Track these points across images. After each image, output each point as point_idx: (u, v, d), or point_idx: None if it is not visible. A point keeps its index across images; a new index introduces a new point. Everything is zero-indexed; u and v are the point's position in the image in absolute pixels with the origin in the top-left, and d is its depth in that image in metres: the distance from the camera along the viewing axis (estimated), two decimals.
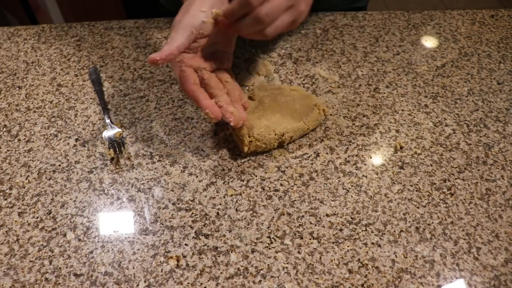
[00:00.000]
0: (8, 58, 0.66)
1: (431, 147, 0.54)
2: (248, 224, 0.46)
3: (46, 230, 0.46)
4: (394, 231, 0.46)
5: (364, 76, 0.63)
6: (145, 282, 0.42)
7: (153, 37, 0.69)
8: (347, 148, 0.53)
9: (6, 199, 0.49)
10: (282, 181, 0.50)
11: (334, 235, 0.46)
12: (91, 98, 0.60)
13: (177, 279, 0.42)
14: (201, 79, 0.49)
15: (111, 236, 0.45)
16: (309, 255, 0.44)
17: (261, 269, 0.43)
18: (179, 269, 0.43)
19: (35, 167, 0.52)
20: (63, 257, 0.44)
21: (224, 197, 0.49)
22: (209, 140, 0.54)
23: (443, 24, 0.72)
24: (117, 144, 0.53)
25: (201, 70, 0.50)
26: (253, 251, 0.44)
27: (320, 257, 0.44)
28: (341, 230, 0.46)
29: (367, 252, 0.44)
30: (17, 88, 0.61)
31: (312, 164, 0.52)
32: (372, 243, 0.45)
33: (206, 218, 0.47)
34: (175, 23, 0.48)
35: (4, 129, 0.56)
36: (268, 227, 0.46)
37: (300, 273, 0.43)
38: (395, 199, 0.49)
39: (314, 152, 0.53)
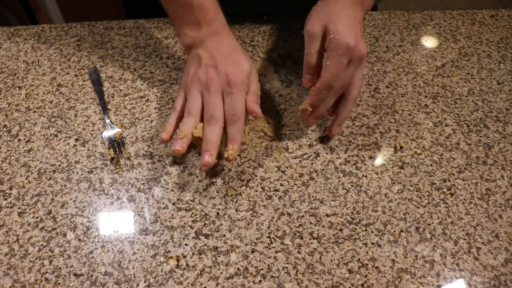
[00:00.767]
0: (8, 58, 0.66)
1: (431, 147, 0.54)
2: (248, 224, 0.46)
3: (46, 230, 0.46)
4: (394, 231, 0.46)
5: (364, 76, 0.63)
6: (145, 282, 0.42)
7: (153, 37, 0.69)
8: (347, 148, 0.53)
9: (6, 199, 0.49)
10: (282, 181, 0.50)
11: (334, 235, 0.46)
12: (91, 98, 0.60)
13: (177, 279, 0.42)
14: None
15: (111, 236, 0.45)
16: (309, 255, 0.44)
17: (261, 269, 0.43)
18: (179, 269, 0.43)
19: (35, 167, 0.52)
20: (63, 257, 0.44)
21: (224, 197, 0.49)
22: None
23: (443, 24, 0.72)
24: (117, 144, 0.53)
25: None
26: (253, 251, 0.44)
27: (320, 257, 0.44)
28: (341, 230, 0.46)
29: (367, 252, 0.44)
30: (17, 88, 0.61)
31: (312, 164, 0.52)
32: (372, 243, 0.45)
33: (206, 218, 0.47)
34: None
35: (4, 129, 0.56)
36: (268, 227, 0.46)
37: (300, 273, 0.43)
38: (395, 199, 0.49)
39: (314, 152, 0.53)
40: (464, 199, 0.49)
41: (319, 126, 0.56)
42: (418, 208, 0.48)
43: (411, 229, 0.46)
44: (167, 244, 0.45)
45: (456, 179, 0.51)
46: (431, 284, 0.42)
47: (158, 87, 0.61)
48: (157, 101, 0.59)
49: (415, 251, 0.44)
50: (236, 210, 0.47)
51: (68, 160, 0.52)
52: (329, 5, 0.48)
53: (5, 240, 0.45)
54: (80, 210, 0.47)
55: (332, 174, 0.51)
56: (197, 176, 0.50)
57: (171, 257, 0.44)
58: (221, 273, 0.43)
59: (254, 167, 0.51)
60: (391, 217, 0.47)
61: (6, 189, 0.50)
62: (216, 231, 0.46)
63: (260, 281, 0.42)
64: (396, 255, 0.44)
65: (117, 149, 0.52)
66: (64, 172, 0.51)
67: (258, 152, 0.53)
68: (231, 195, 0.49)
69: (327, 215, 0.47)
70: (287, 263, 0.43)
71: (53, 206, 0.48)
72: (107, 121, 0.55)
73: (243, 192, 0.49)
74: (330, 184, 0.50)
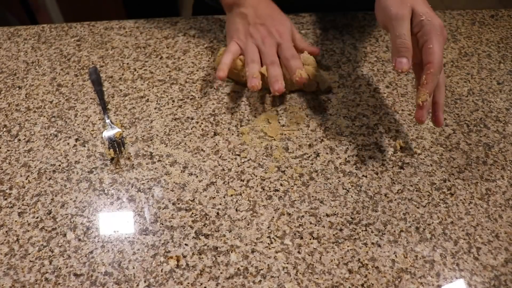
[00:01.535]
0: (8, 58, 0.66)
1: (431, 147, 0.54)
2: (248, 224, 0.46)
3: (46, 230, 0.46)
4: (394, 231, 0.46)
5: (364, 76, 0.63)
6: (145, 282, 0.42)
7: (153, 37, 0.69)
8: (347, 148, 0.53)
9: (6, 199, 0.49)
10: (282, 181, 0.50)
11: (334, 235, 0.46)
12: (91, 98, 0.60)
13: (177, 279, 0.42)
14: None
15: (111, 236, 0.45)
16: (309, 255, 0.44)
17: (261, 269, 0.43)
18: (179, 269, 0.43)
19: (35, 167, 0.52)
20: (63, 257, 0.44)
21: (224, 197, 0.49)
22: (209, 140, 0.54)
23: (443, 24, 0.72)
24: (117, 144, 0.53)
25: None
26: (253, 251, 0.44)
27: (320, 257, 0.44)
28: (341, 230, 0.46)
29: (367, 252, 0.44)
30: (17, 88, 0.61)
31: (312, 164, 0.52)
32: (372, 243, 0.45)
33: (206, 218, 0.47)
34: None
35: (4, 129, 0.56)
36: (268, 227, 0.46)
37: (300, 273, 0.43)
38: (395, 199, 0.49)
39: (314, 152, 0.53)
40: (464, 199, 0.49)
41: (319, 126, 0.56)
42: (418, 208, 0.48)
43: (411, 229, 0.46)
44: (167, 244, 0.45)
45: (456, 179, 0.51)
46: (431, 284, 0.42)
47: (158, 87, 0.61)
48: (157, 101, 0.59)
49: (415, 251, 0.44)
50: (236, 210, 0.47)
51: (68, 160, 0.52)
52: None
53: (5, 240, 0.45)
54: (80, 210, 0.47)
55: (332, 174, 0.51)
56: (197, 176, 0.50)
57: (171, 257, 0.44)
58: (221, 273, 0.43)
59: (254, 167, 0.51)
60: (391, 217, 0.47)
61: (6, 189, 0.50)
62: (216, 231, 0.46)
63: (260, 281, 0.42)
64: (396, 255, 0.44)
65: (117, 149, 0.52)
66: (64, 172, 0.51)
67: (258, 152, 0.53)
68: (231, 195, 0.49)
69: (327, 215, 0.47)
70: (287, 263, 0.43)
71: (53, 206, 0.48)
72: (107, 121, 0.55)
73: (243, 192, 0.49)
74: (330, 184, 0.50)
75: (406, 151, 0.53)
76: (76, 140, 0.54)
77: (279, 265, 0.43)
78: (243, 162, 0.52)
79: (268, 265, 0.43)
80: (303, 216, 0.47)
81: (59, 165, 0.52)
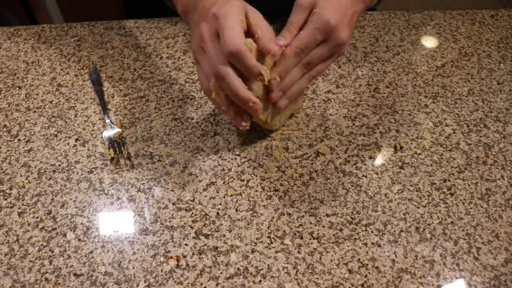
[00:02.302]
0: (8, 58, 0.66)
1: (431, 147, 0.54)
2: (248, 224, 0.46)
3: (46, 230, 0.46)
4: (394, 231, 0.46)
5: (364, 76, 0.63)
6: (145, 282, 0.42)
7: (153, 37, 0.69)
8: (347, 148, 0.53)
9: (6, 199, 0.49)
10: (282, 181, 0.50)
11: (334, 235, 0.46)
12: (91, 98, 0.60)
13: (177, 279, 0.42)
14: None
15: (111, 236, 0.45)
16: (309, 255, 0.44)
17: (261, 269, 0.43)
18: (179, 269, 0.43)
19: (35, 167, 0.52)
20: (63, 257, 0.44)
21: (224, 197, 0.49)
22: (209, 140, 0.54)
23: (443, 24, 0.72)
24: (117, 144, 0.53)
25: None
26: (253, 251, 0.44)
27: (320, 257, 0.44)
28: (341, 230, 0.46)
29: (367, 252, 0.44)
30: (17, 88, 0.61)
31: (312, 164, 0.52)
32: (372, 243, 0.45)
33: (206, 218, 0.47)
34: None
35: (4, 129, 0.56)
36: (268, 227, 0.46)
37: (300, 273, 0.43)
38: (395, 199, 0.49)
39: (314, 152, 0.53)
40: (464, 199, 0.49)
41: (320, 126, 0.56)
42: (418, 208, 0.48)
43: (411, 229, 0.46)
44: (167, 244, 0.45)
45: (456, 179, 0.51)
46: (431, 284, 0.42)
47: (158, 87, 0.61)
48: (157, 101, 0.59)
49: (415, 251, 0.44)
50: (236, 210, 0.47)
51: (68, 160, 0.52)
52: None
53: (5, 240, 0.45)
54: (80, 210, 0.47)
55: (332, 174, 0.51)
56: (197, 176, 0.50)
57: (171, 257, 0.44)
58: (221, 273, 0.43)
59: (254, 167, 0.51)
60: (391, 217, 0.47)
61: (6, 189, 0.50)
62: (216, 231, 0.46)
63: (260, 281, 0.42)
64: (396, 255, 0.44)
65: (117, 149, 0.52)
66: (64, 172, 0.51)
67: (258, 152, 0.53)
68: (231, 195, 0.49)
69: (327, 215, 0.47)
70: (287, 263, 0.43)
71: (53, 206, 0.48)
72: (107, 121, 0.55)
73: (243, 192, 0.49)
74: (330, 184, 0.50)
75: (406, 151, 0.53)
76: (76, 140, 0.54)
77: (279, 265, 0.43)
78: (243, 162, 0.52)
79: (268, 265, 0.43)
80: (303, 216, 0.47)
81: (59, 165, 0.52)
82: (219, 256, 0.44)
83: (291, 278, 0.42)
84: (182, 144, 0.54)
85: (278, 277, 0.42)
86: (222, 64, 0.42)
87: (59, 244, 0.45)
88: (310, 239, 0.45)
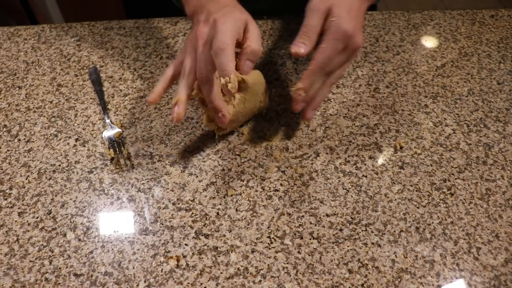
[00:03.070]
0: (8, 58, 0.66)
1: (431, 147, 0.54)
2: (248, 224, 0.46)
3: (46, 230, 0.46)
4: (394, 231, 0.46)
5: (364, 76, 0.63)
6: (145, 282, 0.42)
7: (153, 37, 0.69)
8: (347, 148, 0.53)
9: (6, 199, 0.49)
10: (282, 181, 0.50)
11: (334, 235, 0.46)
12: (91, 98, 0.60)
13: (177, 279, 0.42)
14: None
15: (111, 236, 0.45)
16: (309, 255, 0.44)
17: (261, 269, 0.43)
18: (179, 269, 0.43)
19: (35, 167, 0.52)
20: (63, 257, 0.44)
21: (224, 197, 0.49)
22: (209, 140, 0.54)
23: (443, 24, 0.72)
24: (117, 144, 0.53)
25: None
26: (253, 251, 0.44)
27: (320, 257, 0.44)
28: (341, 230, 0.46)
29: (367, 252, 0.44)
30: (17, 88, 0.61)
31: (312, 164, 0.52)
32: (372, 243, 0.45)
33: (206, 218, 0.47)
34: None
35: (4, 129, 0.56)
36: (268, 227, 0.46)
37: (300, 273, 0.43)
38: (395, 199, 0.49)
39: (314, 152, 0.53)
40: (464, 199, 0.49)
41: (320, 126, 0.56)
42: (418, 208, 0.48)
43: (411, 229, 0.46)
44: (167, 244, 0.45)
45: (456, 179, 0.51)
46: (431, 284, 0.42)
47: None
48: None
49: (415, 251, 0.44)
50: (236, 210, 0.47)
51: (68, 160, 0.52)
52: None
53: (5, 240, 0.45)
54: (80, 210, 0.47)
55: (332, 174, 0.51)
56: (197, 176, 0.50)
57: (171, 257, 0.44)
58: (221, 273, 0.43)
59: (254, 167, 0.51)
60: (391, 217, 0.47)
61: (6, 189, 0.50)
62: (216, 231, 0.46)
63: (260, 281, 0.42)
64: (396, 255, 0.44)
65: (117, 149, 0.52)
66: (64, 172, 0.51)
67: (258, 152, 0.53)
68: (231, 195, 0.49)
69: (327, 215, 0.47)
70: (287, 263, 0.43)
71: (53, 206, 0.48)
72: (107, 121, 0.55)
73: (243, 192, 0.49)
74: (330, 184, 0.50)
75: (406, 151, 0.53)
76: (76, 140, 0.54)
77: (279, 265, 0.43)
78: (243, 162, 0.52)
79: (268, 265, 0.43)
80: (303, 216, 0.47)
81: (59, 165, 0.52)
82: (219, 256, 0.44)
83: (291, 278, 0.42)
84: (182, 144, 0.54)
85: (278, 277, 0.42)
86: (209, 73, 0.44)
87: (59, 244, 0.45)
88: (310, 239, 0.45)
